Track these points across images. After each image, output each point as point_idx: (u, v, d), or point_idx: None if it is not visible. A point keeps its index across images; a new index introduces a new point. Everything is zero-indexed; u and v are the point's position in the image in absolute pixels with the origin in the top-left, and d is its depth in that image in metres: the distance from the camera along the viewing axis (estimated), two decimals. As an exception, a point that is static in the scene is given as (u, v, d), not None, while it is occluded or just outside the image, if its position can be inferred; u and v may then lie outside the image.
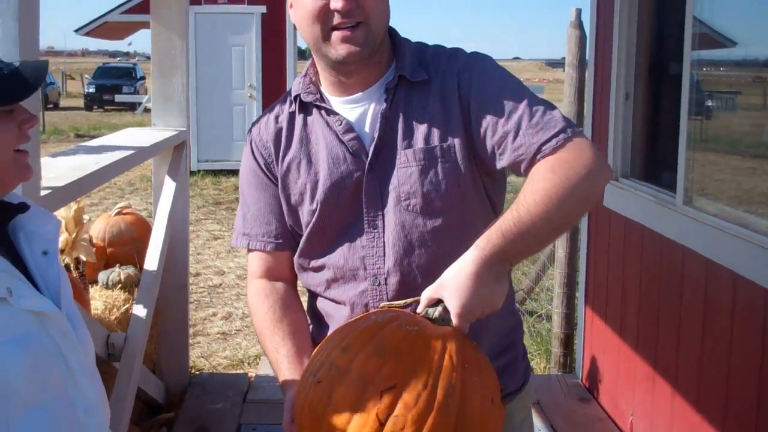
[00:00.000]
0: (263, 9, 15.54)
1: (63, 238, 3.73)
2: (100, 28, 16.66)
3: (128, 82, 35.55)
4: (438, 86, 2.00)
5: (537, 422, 4.68)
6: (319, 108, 2.07)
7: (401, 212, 1.99)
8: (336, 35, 1.95)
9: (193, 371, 5.43)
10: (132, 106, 32.38)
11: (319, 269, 2.11)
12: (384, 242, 2.01)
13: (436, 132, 1.97)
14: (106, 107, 34.20)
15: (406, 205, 1.99)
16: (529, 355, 5.77)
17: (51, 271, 1.70)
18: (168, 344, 4.84)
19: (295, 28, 15.79)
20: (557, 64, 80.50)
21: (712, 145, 4.00)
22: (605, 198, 4.79)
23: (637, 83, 4.70)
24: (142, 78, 35.96)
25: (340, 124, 2.03)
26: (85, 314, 3.37)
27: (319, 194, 2.04)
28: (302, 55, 22.50)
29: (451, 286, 1.76)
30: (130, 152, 3.65)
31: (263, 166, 2.14)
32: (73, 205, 3.72)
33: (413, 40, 2.12)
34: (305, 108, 2.09)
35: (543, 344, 5.98)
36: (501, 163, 1.94)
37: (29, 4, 2.28)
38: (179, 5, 4.66)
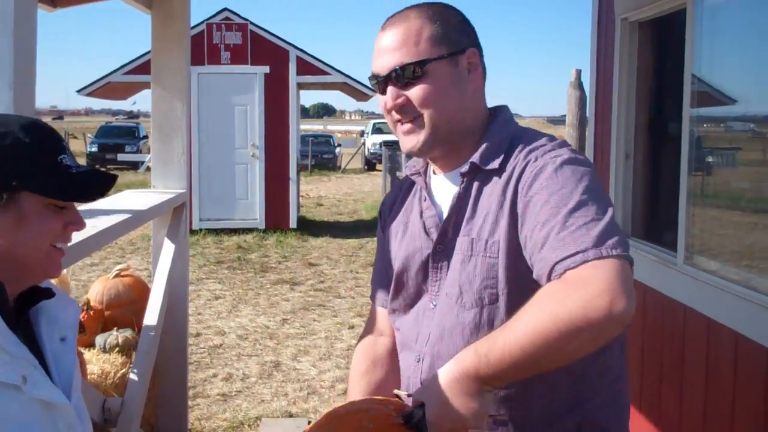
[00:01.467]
0: (266, 69, 15.69)
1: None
2: (103, 88, 16.76)
3: (131, 141, 35.78)
4: (506, 177, 1.92)
5: None
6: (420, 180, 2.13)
7: (444, 297, 1.98)
8: (398, 129, 2.00)
9: (192, 434, 5.37)
10: (134, 165, 32.56)
11: (396, 331, 2.17)
12: (433, 322, 2.00)
13: (488, 224, 1.91)
14: (108, 166, 34.34)
15: (446, 292, 1.97)
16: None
17: (66, 359, 1.70)
18: (166, 407, 4.78)
19: (298, 87, 16.05)
20: (559, 121, 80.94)
21: (713, 201, 3.98)
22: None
23: (636, 142, 4.71)
24: (145, 137, 36.19)
25: (425, 200, 2.07)
26: (81, 380, 3.33)
27: (397, 263, 2.10)
28: (305, 113, 22.65)
29: (427, 393, 1.73)
30: (128, 216, 3.63)
31: (381, 227, 2.25)
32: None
33: None
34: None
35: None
36: (533, 273, 1.78)
37: (25, 72, 2.28)
38: (180, 69, 4.68)
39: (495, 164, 1.94)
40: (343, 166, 36.84)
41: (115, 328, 4.41)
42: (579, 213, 1.72)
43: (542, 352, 1.61)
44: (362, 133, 45.08)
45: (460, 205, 1.97)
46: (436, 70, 1.94)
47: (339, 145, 39.94)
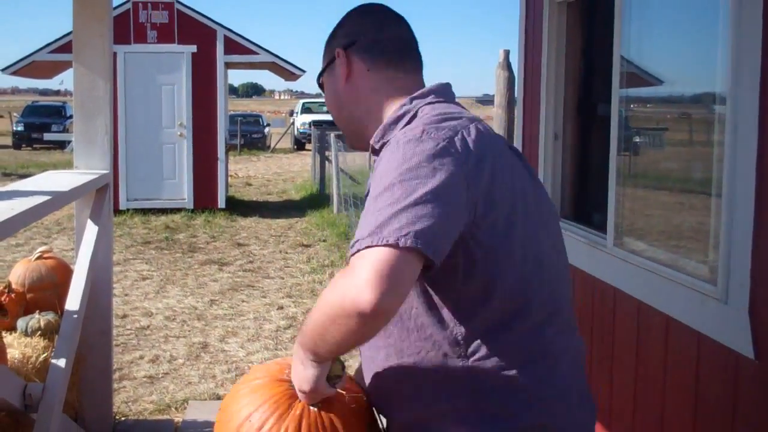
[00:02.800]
0: (194, 48, 15.48)
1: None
2: (28, 67, 16.36)
3: (58, 120, 35.11)
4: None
5: None
6: None
7: None
8: None
9: (117, 418, 5.26)
10: (61, 145, 31.96)
11: None
12: None
13: None
14: (35, 146, 33.69)
15: None
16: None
17: None
18: (90, 391, 4.68)
19: (226, 67, 15.89)
20: (488, 101, 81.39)
21: (642, 181, 4.01)
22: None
23: (566, 123, 4.72)
24: (72, 116, 35.48)
25: None
26: (-1, 365, 3.23)
27: None
28: (234, 93, 22.43)
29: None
30: (48, 197, 3.52)
31: None
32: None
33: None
34: None
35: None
36: None
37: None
38: (102, 47, 4.56)
39: (379, 144, 2.02)
40: (272, 146, 36.59)
41: (38, 312, 4.29)
42: (383, 197, 1.72)
43: (319, 335, 1.72)
44: (291, 113, 44.78)
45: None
46: (325, 83, 2.19)
47: (268, 125, 39.64)
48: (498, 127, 5.67)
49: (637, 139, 4.11)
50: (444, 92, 2.07)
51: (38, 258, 4.58)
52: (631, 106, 4.00)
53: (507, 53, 9.38)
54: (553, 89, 4.70)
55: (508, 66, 8.71)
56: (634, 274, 3.62)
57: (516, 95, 5.45)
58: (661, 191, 3.98)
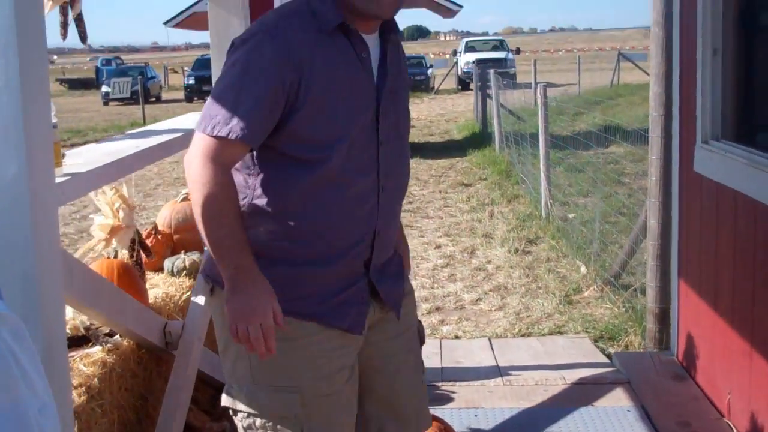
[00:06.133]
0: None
1: (105, 223, 3.61)
2: (189, 19, 16.74)
3: (226, 71, 35.91)
4: None
5: (626, 402, 4.40)
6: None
7: None
8: None
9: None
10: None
11: None
12: None
13: None
14: (205, 97, 34.57)
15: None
16: (623, 332, 5.43)
17: None
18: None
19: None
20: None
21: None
22: (694, 163, 4.46)
23: (725, 37, 4.34)
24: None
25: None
26: (139, 304, 3.25)
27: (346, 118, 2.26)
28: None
29: None
30: (179, 135, 3.50)
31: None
32: (108, 191, 3.59)
33: None
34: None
35: (638, 320, 5.67)
36: None
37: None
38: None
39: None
40: (436, 87, 36.38)
41: (183, 252, 4.34)
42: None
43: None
44: (454, 53, 44.32)
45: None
46: None
47: (431, 66, 39.40)
48: (655, 45, 5.27)
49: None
50: None
51: (183, 200, 4.62)
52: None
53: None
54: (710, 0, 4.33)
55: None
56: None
57: (674, 10, 5.05)
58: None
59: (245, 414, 2.33)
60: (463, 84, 36.95)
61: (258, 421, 2.31)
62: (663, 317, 5.24)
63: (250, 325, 2.10)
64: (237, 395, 2.34)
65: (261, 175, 2.23)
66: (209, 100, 2.14)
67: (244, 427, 2.35)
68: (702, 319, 4.48)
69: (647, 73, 9.05)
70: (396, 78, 2.37)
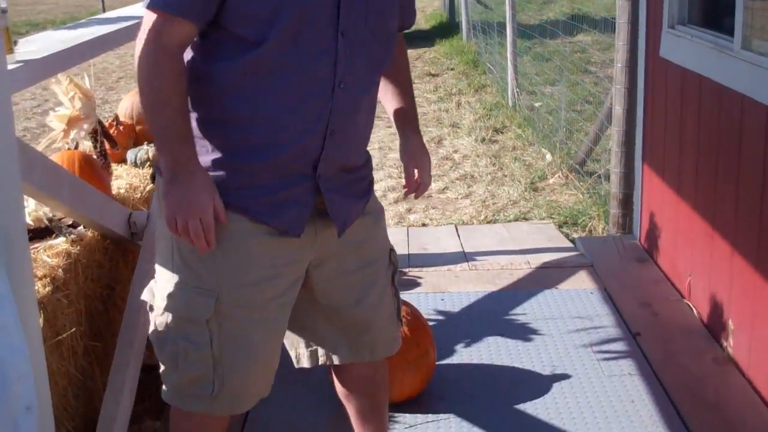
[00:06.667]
0: None
1: (62, 113, 3.55)
2: None
3: None
4: None
5: (590, 285, 4.48)
6: None
7: None
8: None
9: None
10: None
11: None
12: None
13: None
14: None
15: None
16: (587, 217, 5.49)
17: None
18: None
19: None
20: None
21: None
22: (660, 48, 4.44)
23: None
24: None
25: None
26: (102, 195, 3.23)
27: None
28: None
29: None
30: (135, 22, 3.42)
31: None
32: (63, 80, 3.51)
33: None
34: None
35: (602, 205, 5.73)
36: None
37: None
38: None
39: None
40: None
41: (146, 143, 4.30)
42: None
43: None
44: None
45: None
46: None
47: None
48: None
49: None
50: None
51: (145, 89, 4.55)
52: None
53: None
54: None
55: None
56: (763, 79, 3.30)
57: None
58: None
59: (160, 311, 2.24)
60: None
61: (169, 320, 2.22)
62: (626, 202, 5.30)
63: (189, 219, 2.04)
64: (156, 289, 2.27)
65: (205, 56, 2.12)
66: None
67: (156, 325, 2.26)
68: (665, 203, 4.53)
69: (615, -42, 8.91)
70: None
